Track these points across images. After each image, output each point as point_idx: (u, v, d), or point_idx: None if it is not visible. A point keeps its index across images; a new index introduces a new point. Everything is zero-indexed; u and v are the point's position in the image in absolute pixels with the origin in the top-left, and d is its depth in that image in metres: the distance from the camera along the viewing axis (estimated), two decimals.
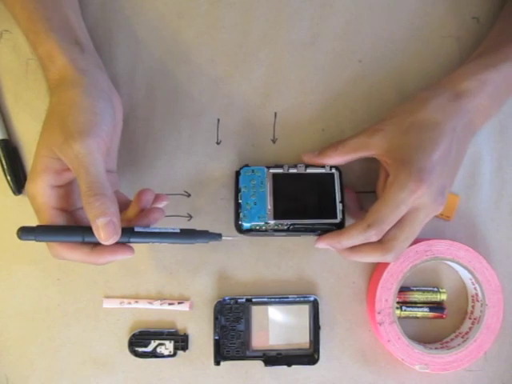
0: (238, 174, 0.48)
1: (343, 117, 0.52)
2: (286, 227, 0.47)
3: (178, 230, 0.42)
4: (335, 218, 0.47)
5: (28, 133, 0.51)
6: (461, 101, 0.44)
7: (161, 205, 0.45)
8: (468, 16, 0.53)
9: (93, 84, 0.43)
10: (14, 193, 0.50)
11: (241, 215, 0.47)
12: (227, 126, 0.52)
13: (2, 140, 0.50)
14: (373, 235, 0.42)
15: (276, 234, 0.48)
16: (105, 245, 0.39)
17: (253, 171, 0.48)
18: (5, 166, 0.50)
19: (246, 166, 0.48)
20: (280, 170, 0.48)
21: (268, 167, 0.48)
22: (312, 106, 0.52)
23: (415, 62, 0.53)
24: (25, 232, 0.39)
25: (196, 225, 0.51)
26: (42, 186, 0.40)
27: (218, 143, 0.52)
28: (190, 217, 0.51)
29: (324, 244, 0.46)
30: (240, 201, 0.47)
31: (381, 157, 0.46)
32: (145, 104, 0.52)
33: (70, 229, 0.40)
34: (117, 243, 0.40)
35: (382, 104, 0.52)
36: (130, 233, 0.41)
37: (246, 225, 0.47)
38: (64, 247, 0.40)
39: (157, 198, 0.45)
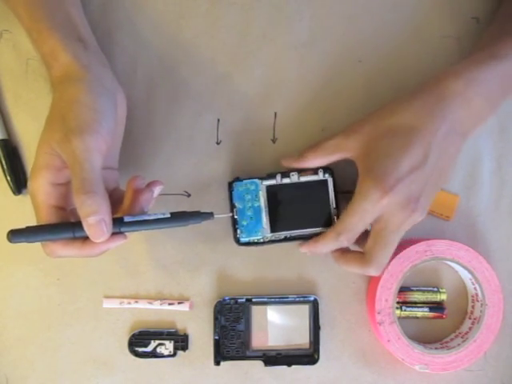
0: (230, 185, 0.48)
1: (343, 117, 0.52)
2: (282, 237, 0.48)
3: (169, 215, 0.42)
4: (330, 225, 0.47)
5: (28, 133, 0.51)
6: (445, 102, 0.42)
7: (155, 190, 0.44)
8: (468, 16, 0.53)
9: (95, 81, 0.43)
10: (14, 193, 0.50)
11: (238, 231, 0.48)
12: (227, 126, 0.52)
13: (2, 140, 0.50)
14: (344, 242, 0.44)
15: (274, 244, 0.49)
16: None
17: (246, 185, 0.48)
18: (5, 166, 0.50)
19: (237, 179, 0.48)
20: (273, 182, 0.48)
21: (261, 178, 0.48)
22: (312, 106, 0.52)
23: (415, 62, 0.53)
24: (15, 235, 0.39)
25: (196, 224, 0.51)
26: (42, 183, 0.40)
27: (217, 143, 0.52)
28: None
29: (304, 249, 0.48)
30: (236, 217, 0.48)
31: (355, 160, 0.45)
32: (145, 104, 0.52)
33: (59, 226, 0.40)
34: None
35: (381, 104, 0.52)
36: (119, 223, 0.40)
37: (244, 239, 0.48)
38: (56, 244, 0.40)
39: (150, 184, 0.44)
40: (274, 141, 0.52)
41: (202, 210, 0.43)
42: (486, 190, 0.52)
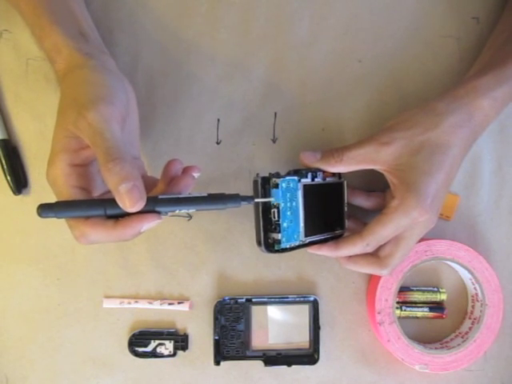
0: (266, 181, 0.41)
1: (343, 117, 0.52)
2: (308, 242, 0.44)
3: (206, 195, 0.39)
4: (343, 228, 0.48)
5: (28, 133, 0.51)
6: (474, 122, 0.44)
7: (196, 175, 0.43)
8: (468, 16, 0.53)
9: (100, 65, 0.43)
10: (14, 193, 0.50)
11: (280, 236, 0.41)
12: (227, 126, 0.52)
13: (2, 140, 0.50)
14: (370, 249, 0.45)
15: (298, 249, 0.44)
16: (130, 214, 0.37)
17: (288, 183, 0.42)
18: (5, 166, 0.50)
19: (277, 174, 0.42)
20: (308, 180, 0.45)
21: (299, 176, 0.44)
22: (312, 106, 0.52)
23: (415, 61, 0.53)
24: (44, 209, 0.37)
25: (196, 224, 0.51)
26: (60, 166, 0.39)
27: (217, 143, 0.52)
28: (190, 217, 0.51)
29: (322, 252, 0.46)
30: (275, 219, 0.41)
31: (386, 172, 0.45)
32: (145, 104, 0.52)
33: (90, 202, 0.38)
34: (142, 212, 0.37)
35: (381, 104, 0.52)
36: (154, 201, 0.38)
37: (284, 245, 0.42)
38: (86, 225, 0.37)
39: (187, 169, 0.43)
40: (274, 141, 0.52)
41: (242, 194, 0.40)
42: (486, 189, 0.52)
